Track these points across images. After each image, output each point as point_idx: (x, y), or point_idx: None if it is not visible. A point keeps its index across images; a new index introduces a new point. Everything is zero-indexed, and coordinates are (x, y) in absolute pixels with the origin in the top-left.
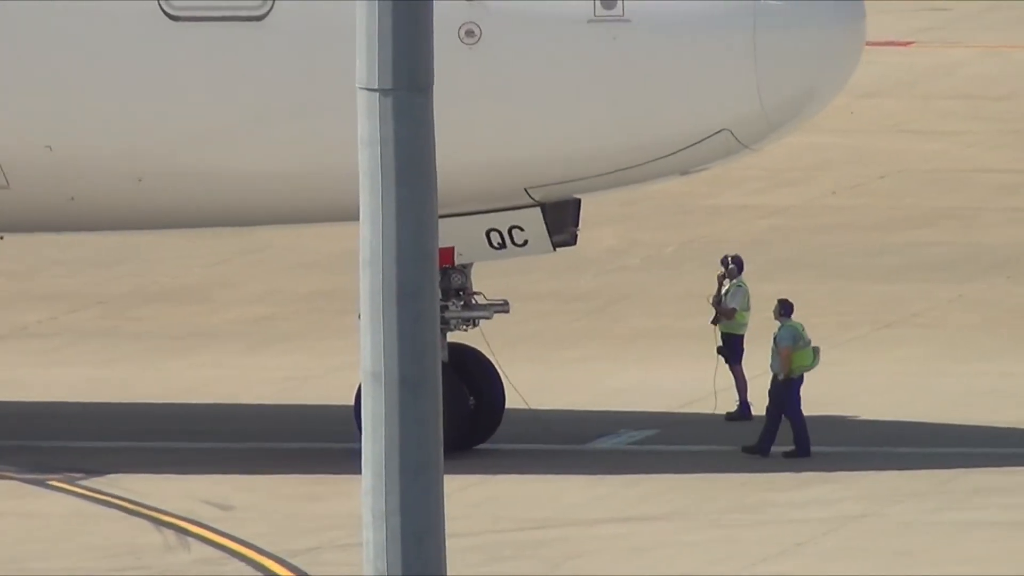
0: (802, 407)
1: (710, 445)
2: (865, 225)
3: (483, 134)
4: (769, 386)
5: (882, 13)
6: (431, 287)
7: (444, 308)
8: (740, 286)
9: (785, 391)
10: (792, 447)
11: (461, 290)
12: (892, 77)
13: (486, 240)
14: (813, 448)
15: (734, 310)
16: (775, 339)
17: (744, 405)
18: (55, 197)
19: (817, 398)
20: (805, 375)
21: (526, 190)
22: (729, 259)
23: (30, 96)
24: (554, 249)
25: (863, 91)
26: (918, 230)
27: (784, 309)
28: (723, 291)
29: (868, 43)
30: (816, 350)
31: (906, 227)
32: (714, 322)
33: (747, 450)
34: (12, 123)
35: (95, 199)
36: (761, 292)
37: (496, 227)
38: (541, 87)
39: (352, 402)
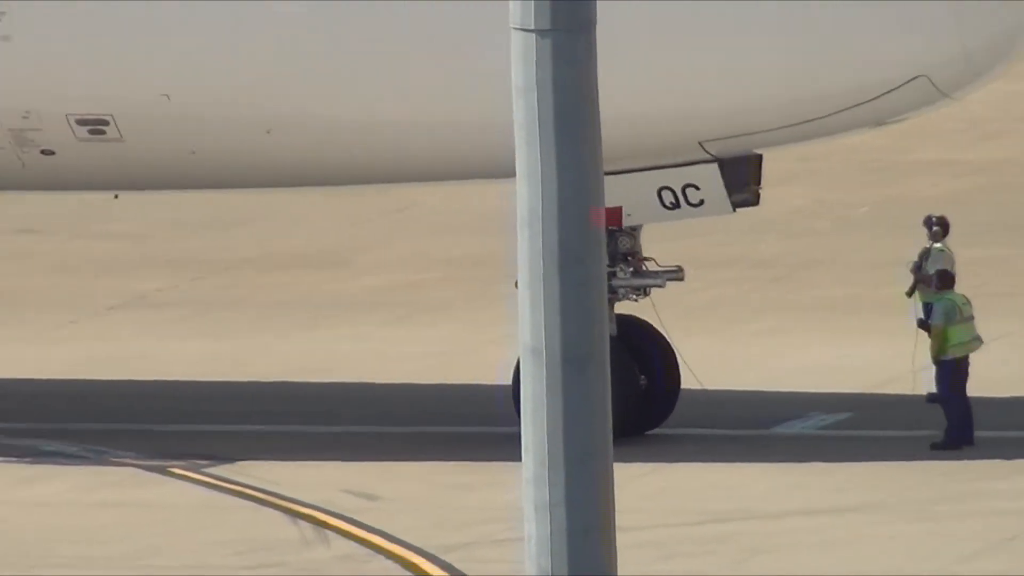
0: (966, 391)
1: (909, 430)
2: None
3: (653, 80)
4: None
5: None
6: (597, 251)
7: (611, 275)
8: (943, 251)
9: (943, 374)
10: (943, 438)
11: (630, 255)
12: None
13: (657, 199)
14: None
15: (938, 273)
16: (928, 315)
17: None
18: (174, 151)
19: None
20: (970, 357)
21: (701, 144)
22: (934, 219)
23: (144, 37)
24: (733, 210)
25: None
26: None
27: (942, 280)
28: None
29: None
30: (978, 338)
31: None
32: (909, 293)
33: (937, 447)
34: (124, 68)
35: (218, 153)
36: (965, 258)
37: (668, 185)
38: (717, 27)
39: (510, 381)
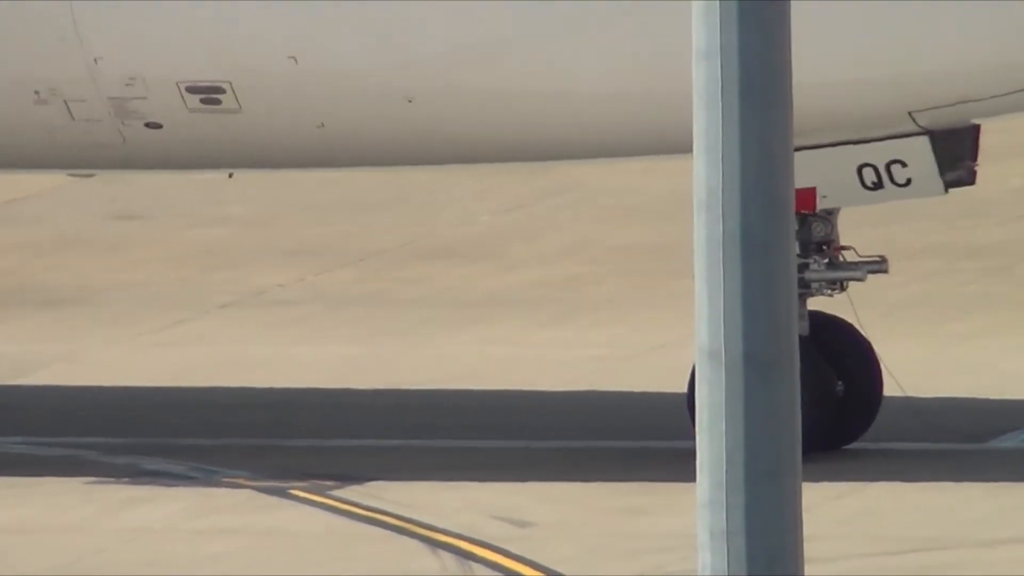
0: None
1: None
2: None
3: (853, 41)
4: None
5: None
6: (786, 239)
7: (804, 267)
8: None
9: None
10: None
11: (825, 243)
12: None
13: (858, 178)
14: None
15: None
16: None
17: None
18: (300, 124)
19: None
20: None
21: (910, 114)
22: None
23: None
24: (946, 190)
25: None
26: None
27: None
28: None
29: None
30: None
31: None
32: None
33: None
34: (242, 27)
35: (352, 126)
36: None
37: (871, 162)
38: None
39: (685, 389)
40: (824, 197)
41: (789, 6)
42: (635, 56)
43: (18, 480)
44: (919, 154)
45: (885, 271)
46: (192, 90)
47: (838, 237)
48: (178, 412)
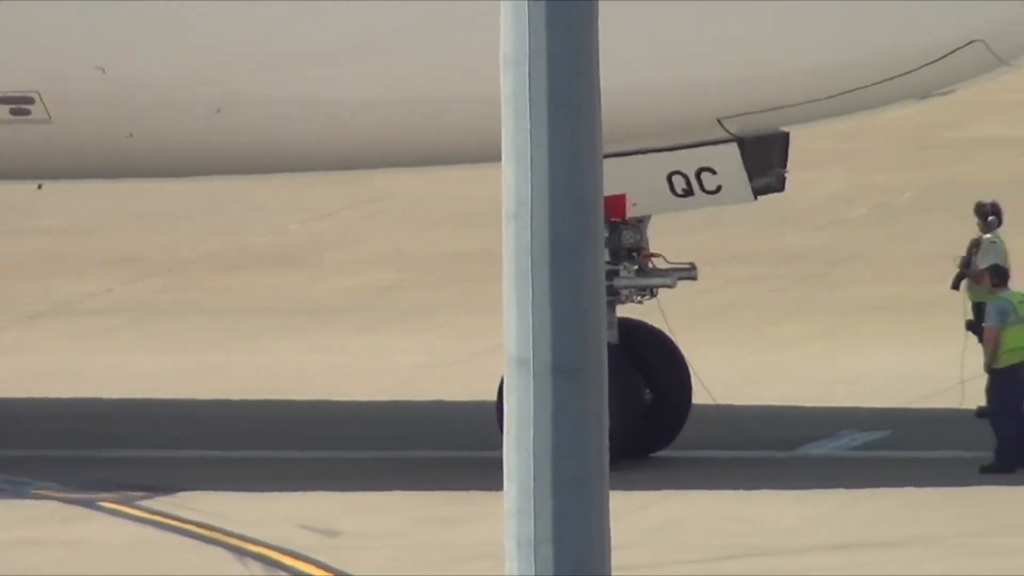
0: (1022, 407)
1: (956, 450)
2: None
3: (663, 47)
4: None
5: None
6: (595, 246)
7: (613, 274)
8: (995, 242)
9: (997, 384)
10: (994, 460)
11: (635, 250)
12: None
13: (667, 185)
14: None
15: (990, 268)
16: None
17: None
18: (109, 133)
19: None
20: None
21: (719, 120)
22: (987, 207)
23: (77, 6)
24: (755, 197)
25: None
26: None
27: (996, 276)
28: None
29: None
30: None
31: None
32: (955, 286)
33: (987, 470)
34: (50, 37)
35: (161, 136)
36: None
37: (680, 169)
38: None
39: (494, 397)
40: (634, 204)
41: (597, 11)
42: (440, 63)
43: None
44: (728, 161)
45: (695, 278)
46: (1, 100)
47: (648, 244)
48: None
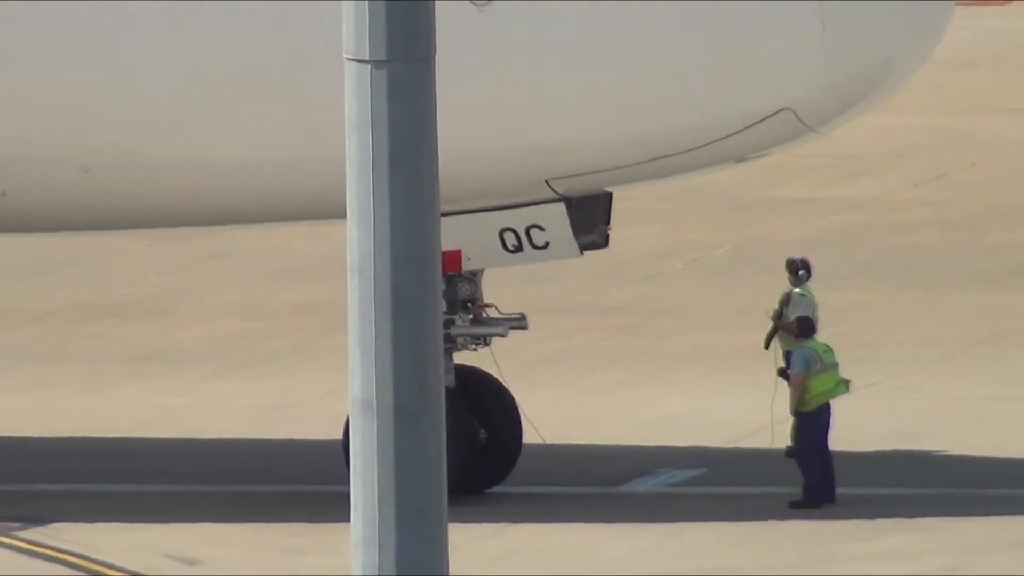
0: (828, 447)
1: (767, 487)
2: (954, 223)
3: (495, 113)
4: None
5: None
6: (433, 298)
7: (449, 323)
8: (804, 295)
9: (804, 425)
10: (803, 495)
11: (470, 301)
12: (987, 44)
13: (499, 242)
14: (890, 490)
15: (798, 320)
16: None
17: None
18: None
19: (896, 429)
20: (832, 406)
21: (547, 182)
22: (797, 262)
23: None
24: (581, 252)
25: (952, 62)
26: (1018, 229)
27: (803, 328)
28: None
29: (958, 2)
30: (846, 382)
31: (1003, 225)
32: (766, 344)
33: (796, 506)
34: None
35: (31, 193)
36: (831, 302)
37: (511, 226)
38: (565, 57)
39: (340, 437)
40: (469, 259)
41: (435, 80)
42: (288, 127)
43: None
44: (556, 219)
45: (525, 327)
46: None
47: (482, 296)
48: None
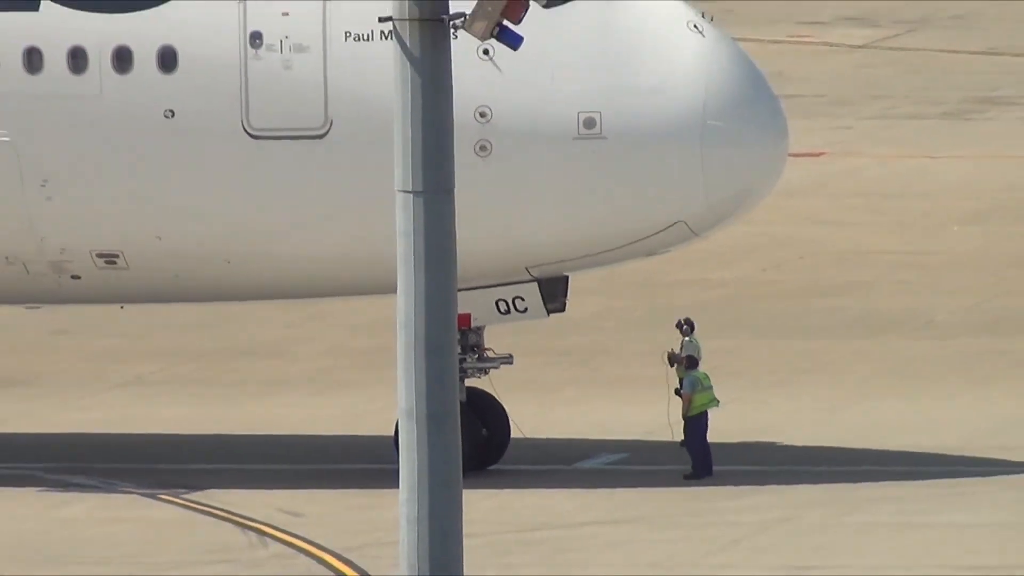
0: (707, 438)
1: (667, 465)
2: (788, 294)
3: (493, 226)
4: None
5: (800, 130)
6: (452, 344)
7: (462, 360)
8: (692, 341)
9: (689, 427)
10: (691, 471)
11: (476, 346)
12: (808, 180)
13: (495, 308)
14: (749, 467)
15: (686, 358)
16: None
17: None
18: (163, 276)
19: (752, 427)
20: (709, 414)
21: (526, 269)
22: (683, 321)
23: (144, 198)
24: (548, 315)
25: (786, 191)
26: (829, 298)
27: (690, 363)
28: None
29: (790, 153)
30: (716, 399)
31: (819, 295)
32: (670, 363)
33: (688, 477)
34: (129, 220)
35: (194, 276)
36: (709, 347)
37: (503, 298)
38: (538, 189)
39: (392, 433)
40: (475, 319)
41: (453, 205)
42: (363, 235)
43: None
44: (532, 293)
45: (511, 363)
46: (99, 255)
47: (484, 342)
48: (90, 448)
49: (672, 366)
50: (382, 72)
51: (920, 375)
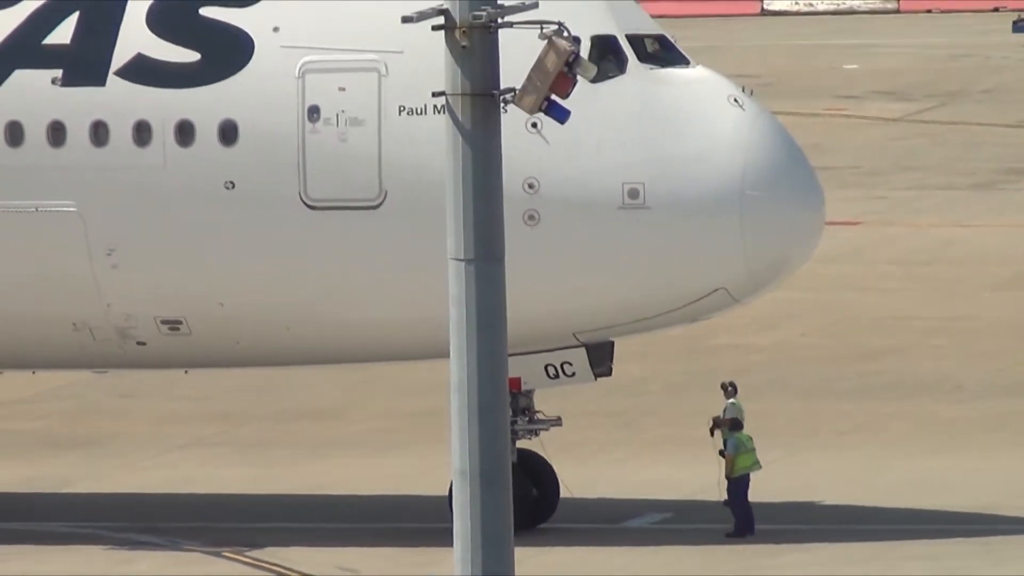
0: (749, 498)
1: (713, 524)
2: (826, 358)
3: (541, 293)
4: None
5: (836, 200)
6: (503, 407)
7: (513, 422)
8: (735, 403)
9: (732, 487)
10: (734, 529)
11: (526, 409)
12: (844, 248)
13: (544, 372)
14: (789, 526)
15: (730, 420)
16: (725, 447)
17: None
18: (225, 341)
19: (792, 486)
20: (751, 474)
21: (574, 335)
22: (727, 384)
23: (206, 266)
24: (595, 379)
25: (823, 258)
26: (865, 362)
27: (734, 425)
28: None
29: (826, 223)
30: (758, 461)
31: (857, 360)
32: (712, 432)
33: (730, 536)
34: (192, 288)
35: (255, 342)
36: (750, 409)
37: (552, 362)
38: (585, 257)
39: (446, 493)
40: (525, 383)
41: (504, 272)
42: (417, 301)
43: (59, 547)
44: (579, 358)
45: (560, 425)
46: (163, 321)
47: (534, 405)
48: (155, 507)
49: (715, 428)
50: (434, 144)
51: (954, 436)
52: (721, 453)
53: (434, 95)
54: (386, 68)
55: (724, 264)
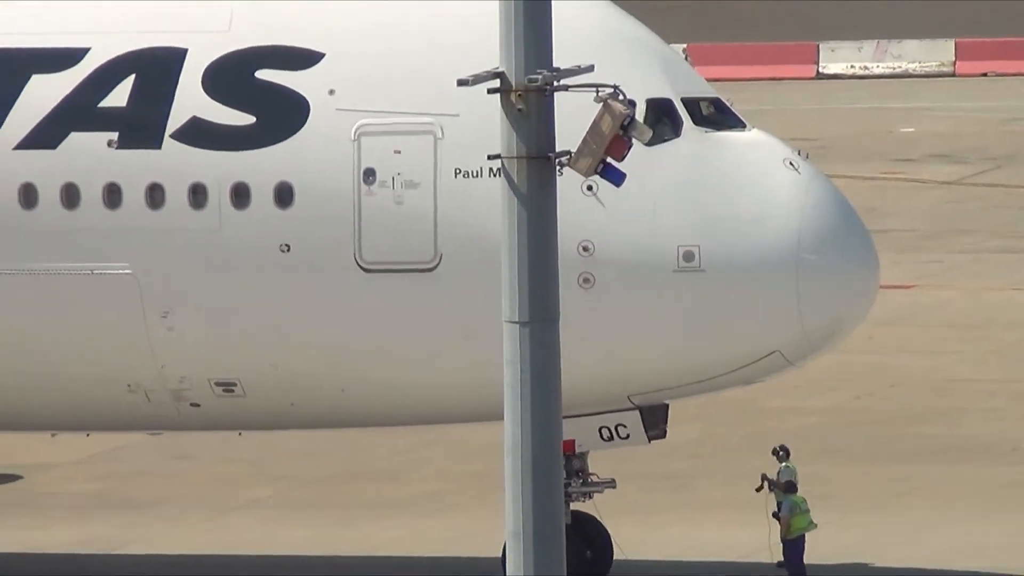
0: (803, 560)
1: None
2: (880, 421)
3: (596, 356)
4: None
5: (891, 264)
6: (557, 469)
7: (567, 484)
8: (788, 467)
9: (788, 549)
10: None
11: (580, 471)
12: (899, 311)
13: (598, 434)
14: None
15: (784, 482)
16: (779, 509)
17: None
18: (279, 403)
19: (846, 548)
20: (805, 536)
21: (628, 397)
22: (779, 448)
23: (261, 328)
24: (649, 442)
25: (878, 321)
26: (919, 425)
27: (788, 487)
28: (778, 472)
29: (881, 286)
30: (813, 522)
31: (911, 423)
32: (758, 489)
33: None
34: (245, 350)
35: (309, 404)
36: (804, 471)
37: (606, 425)
38: (639, 320)
39: (500, 554)
40: (580, 445)
41: (558, 334)
42: (471, 364)
43: None
44: (633, 421)
45: (614, 487)
46: (217, 383)
47: (588, 467)
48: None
49: (769, 490)
50: (490, 207)
51: (1009, 499)
52: (775, 515)
53: (490, 158)
54: (442, 131)
55: (779, 327)
